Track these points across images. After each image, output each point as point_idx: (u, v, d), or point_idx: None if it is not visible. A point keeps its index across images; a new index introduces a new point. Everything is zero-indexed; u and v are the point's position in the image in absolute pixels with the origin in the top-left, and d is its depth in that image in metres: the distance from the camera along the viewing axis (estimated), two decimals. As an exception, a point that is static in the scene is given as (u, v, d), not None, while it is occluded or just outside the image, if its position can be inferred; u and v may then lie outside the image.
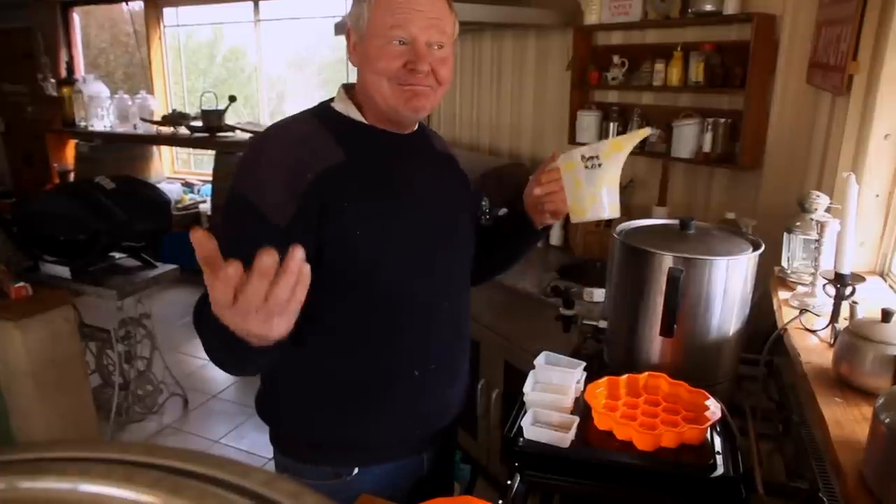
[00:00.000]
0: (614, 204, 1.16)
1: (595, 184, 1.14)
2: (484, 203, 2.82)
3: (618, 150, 1.12)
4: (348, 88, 1.16)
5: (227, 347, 0.84)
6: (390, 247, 1.10)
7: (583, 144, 3.04)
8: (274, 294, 0.71)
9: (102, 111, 5.27)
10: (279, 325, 0.76)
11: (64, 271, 2.73)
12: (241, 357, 0.88)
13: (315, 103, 1.18)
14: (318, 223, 1.03)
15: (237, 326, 0.76)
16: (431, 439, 1.28)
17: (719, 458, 1.05)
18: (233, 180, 1.06)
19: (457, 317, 1.25)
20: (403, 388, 1.18)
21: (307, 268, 0.72)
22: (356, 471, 1.19)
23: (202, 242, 0.69)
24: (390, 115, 1.11)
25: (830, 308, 1.35)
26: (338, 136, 1.09)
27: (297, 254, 0.70)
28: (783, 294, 1.64)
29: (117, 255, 2.95)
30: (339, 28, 3.24)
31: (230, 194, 1.05)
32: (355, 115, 1.13)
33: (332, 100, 1.17)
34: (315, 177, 1.03)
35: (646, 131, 1.19)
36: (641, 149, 2.62)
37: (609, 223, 2.52)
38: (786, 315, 1.50)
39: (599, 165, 1.12)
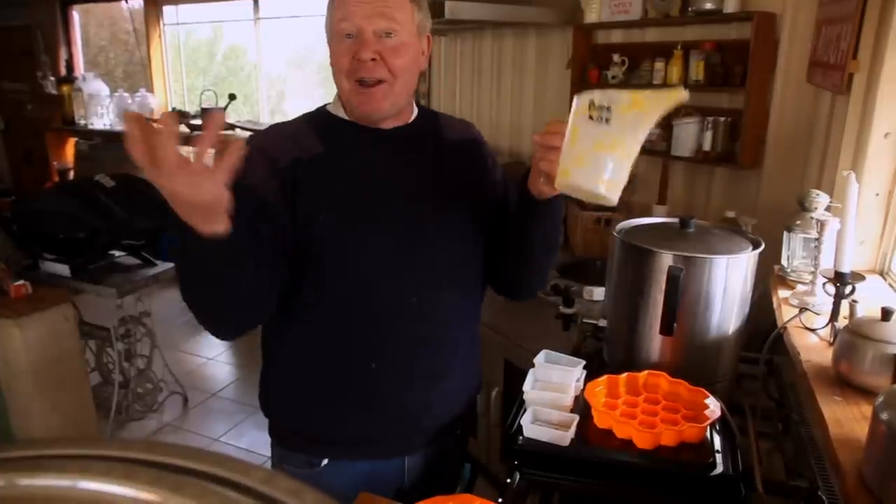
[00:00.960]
0: (612, 181, 0.88)
1: (595, 143, 0.87)
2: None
3: (638, 109, 0.86)
4: None
5: (183, 249, 0.92)
6: (353, 237, 1.12)
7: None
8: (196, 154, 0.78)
9: (102, 109, 5.26)
10: (206, 189, 0.80)
11: (63, 269, 2.73)
12: (198, 257, 0.93)
13: (314, 102, 1.23)
14: (291, 207, 1.08)
15: (168, 191, 0.80)
16: (411, 443, 1.24)
17: (719, 457, 1.05)
18: None
19: (435, 315, 1.19)
20: (364, 383, 1.17)
21: (239, 140, 0.80)
22: (325, 462, 1.20)
23: (133, 119, 0.74)
24: (361, 117, 1.15)
25: (830, 307, 1.35)
26: (321, 133, 1.15)
27: (169, 115, 0.76)
28: (783, 293, 1.64)
29: (117, 253, 2.94)
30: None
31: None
32: (341, 114, 1.18)
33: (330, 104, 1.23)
34: (290, 162, 1.09)
35: (680, 95, 0.87)
36: (642, 147, 2.62)
37: (609, 222, 2.52)
38: (785, 314, 1.50)
39: (607, 121, 0.86)
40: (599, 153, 0.87)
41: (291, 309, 1.15)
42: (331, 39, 1.11)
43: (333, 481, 1.18)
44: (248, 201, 1.02)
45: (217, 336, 1.15)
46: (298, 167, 1.09)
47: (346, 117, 1.17)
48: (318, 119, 1.19)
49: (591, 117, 0.87)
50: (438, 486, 1.29)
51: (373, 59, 1.06)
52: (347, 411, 1.19)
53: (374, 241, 1.13)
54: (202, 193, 0.80)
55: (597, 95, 0.87)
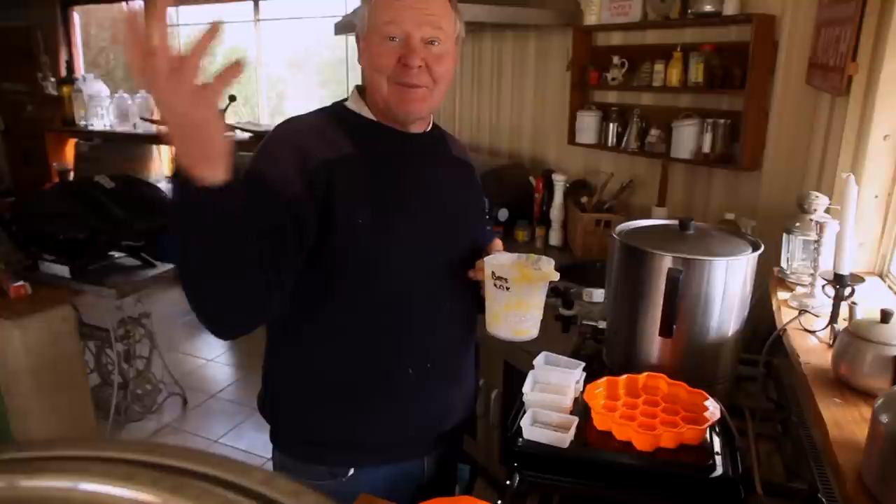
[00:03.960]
0: (524, 329, 1.12)
1: (502, 304, 1.10)
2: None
3: (527, 282, 1.08)
4: (361, 89, 1.18)
5: (181, 211, 0.86)
6: (390, 239, 1.11)
7: (582, 145, 3.03)
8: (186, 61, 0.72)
9: (102, 110, 5.26)
10: (200, 102, 0.76)
11: (63, 270, 2.73)
12: (197, 213, 0.86)
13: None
14: (323, 208, 1.05)
15: (161, 103, 0.75)
16: (432, 444, 1.26)
17: (718, 459, 1.05)
18: (248, 162, 1.10)
19: (459, 319, 1.24)
20: (399, 388, 1.17)
21: (238, 63, 0.77)
22: (351, 472, 1.18)
23: (130, 20, 0.70)
24: (388, 113, 1.13)
25: (829, 309, 1.35)
26: (349, 131, 1.13)
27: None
28: (782, 295, 1.64)
29: (116, 254, 2.94)
30: (340, 28, 3.24)
31: (245, 172, 1.05)
32: (367, 113, 1.16)
33: (346, 100, 1.20)
34: (324, 162, 1.06)
35: (555, 274, 1.11)
36: (641, 148, 2.63)
37: (608, 224, 2.52)
38: (785, 316, 1.50)
39: (507, 289, 1.08)
40: (509, 312, 1.10)
41: (317, 312, 1.13)
42: (370, 38, 1.09)
43: (358, 489, 1.14)
44: (270, 193, 1.02)
45: (217, 332, 1.03)
46: (329, 166, 1.07)
47: (371, 117, 1.16)
48: (341, 116, 1.16)
49: (495, 285, 1.09)
50: (450, 481, 1.34)
51: (419, 67, 1.06)
52: (378, 418, 1.17)
53: (413, 245, 1.13)
54: (196, 108, 0.75)
55: (496, 268, 1.09)
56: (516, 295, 1.08)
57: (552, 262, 1.13)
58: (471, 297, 1.25)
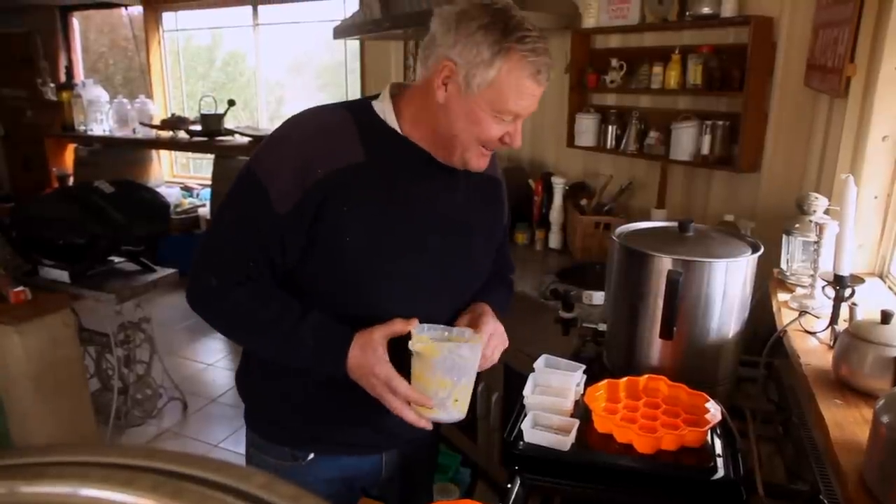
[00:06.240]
0: (449, 413, 1.06)
1: (418, 381, 1.04)
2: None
3: (433, 356, 1.01)
4: (395, 90, 1.12)
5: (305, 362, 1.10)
6: (377, 261, 1.08)
7: (581, 148, 3.02)
8: None
9: (101, 115, 5.27)
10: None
11: (63, 275, 2.72)
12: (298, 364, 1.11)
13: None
14: (313, 219, 1.04)
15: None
16: (398, 445, 1.27)
17: (719, 461, 1.05)
18: (253, 154, 1.08)
19: None
20: (364, 398, 1.11)
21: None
22: (311, 456, 1.20)
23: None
24: (448, 158, 1.10)
25: (830, 310, 1.35)
26: (364, 136, 1.07)
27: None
28: (782, 296, 1.64)
29: (116, 258, 2.94)
30: (339, 32, 3.25)
31: (246, 166, 1.07)
32: (391, 120, 1.09)
33: (376, 96, 1.13)
34: (325, 174, 1.03)
35: (477, 337, 1.09)
36: (640, 151, 2.63)
37: (608, 226, 2.52)
38: (785, 317, 1.50)
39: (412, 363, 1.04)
40: (427, 390, 1.04)
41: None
42: (479, 104, 1.02)
43: (318, 474, 1.19)
44: (271, 209, 1.02)
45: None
46: (332, 181, 1.03)
47: (396, 126, 1.09)
48: (364, 118, 1.09)
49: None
50: (416, 471, 1.34)
51: None
52: (343, 421, 1.18)
53: (404, 268, 1.10)
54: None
55: (413, 340, 1.03)
56: (435, 372, 1.02)
57: (474, 346, 1.07)
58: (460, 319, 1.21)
